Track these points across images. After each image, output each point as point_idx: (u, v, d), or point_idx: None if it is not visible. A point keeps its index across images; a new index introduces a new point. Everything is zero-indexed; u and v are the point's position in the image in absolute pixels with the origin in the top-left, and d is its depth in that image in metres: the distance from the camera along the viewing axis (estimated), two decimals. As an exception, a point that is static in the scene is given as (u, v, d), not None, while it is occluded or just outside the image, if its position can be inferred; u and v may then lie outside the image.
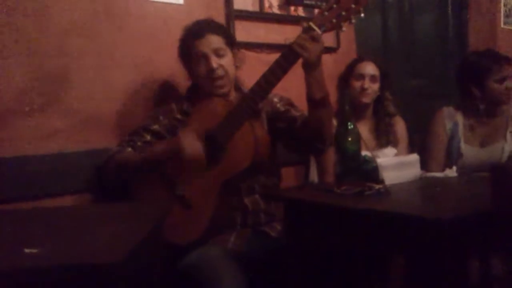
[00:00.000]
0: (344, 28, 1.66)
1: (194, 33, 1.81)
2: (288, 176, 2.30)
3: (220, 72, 1.78)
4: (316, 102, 1.68)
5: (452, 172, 1.85)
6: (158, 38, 2.08)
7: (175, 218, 1.62)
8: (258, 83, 1.68)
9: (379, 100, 2.32)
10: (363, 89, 2.25)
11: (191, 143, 1.66)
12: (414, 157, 1.82)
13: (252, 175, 1.77)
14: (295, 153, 2.05)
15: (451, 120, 2.35)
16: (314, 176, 2.38)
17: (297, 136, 1.82)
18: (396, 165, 1.73)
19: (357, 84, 2.27)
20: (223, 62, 1.78)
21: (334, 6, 1.63)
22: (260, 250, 1.73)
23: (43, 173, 1.79)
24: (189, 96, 1.91)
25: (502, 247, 1.38)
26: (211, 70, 1.76)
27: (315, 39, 1.61)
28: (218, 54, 1.78)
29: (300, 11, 2.52)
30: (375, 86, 2.28)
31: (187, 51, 1.82)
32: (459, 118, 2.34)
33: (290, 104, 1.92)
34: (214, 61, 1.77)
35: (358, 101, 2.28)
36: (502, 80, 2.27)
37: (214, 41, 1.79)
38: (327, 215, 1.55)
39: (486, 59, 2.34)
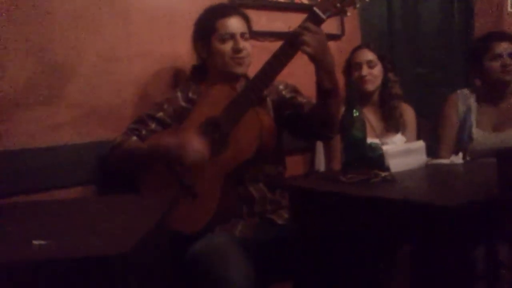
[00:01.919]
0: (348, 13, 1.65)
1: (222, 12, 1.83)
2: (294, 164, 2.30)
3: (244, 53, 1.80)
4: (325, 92, 1.66)
5: (458, 159, 1.84)
6: (161, 29, 2.08)
7: (182, 207, 1.63)
8: (262, 70, 1.68)
9: (384, 84, 2.31)
10: (361, 77, 2.25)
11: (198, 144, 1.67)
12: (420, 144, 1.81)
13: (257, 164, 1.76)
14: (302, 140, 2.04)
15: (464, 103, 2.33)
16: (320, 164, 2.38)
17: (305, 123, 1.81)
18: (402, 152, 1.72)
19: (356, 73, 2.27)
20: (247, 46, 1.81)
21: None
22: (267, 238, 1.73)
23: (48, 165, 1.79)
24: (194, 79, 1.91)
25: (509, 233, 1.38)
26: (238, 50, 1.78)
27: (318, 26, 1.59)
28: (243, 37, 1.81)
29: (304, -1, 2.50)
30: (375, 71, 2.27)
31: (211, 28, 1.81)
32: (473, 101, 2.32)
33: (295, 91, 1.91)
34: (241, 42, 1.79)
35: (362, 89, 2.27)
36: (497, 57, 2.24)
37: (242, 23, 1.82)
38: (333, 203, 1.54)
39: (484, 38, 2.33)
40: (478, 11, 3.44)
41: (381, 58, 2.29)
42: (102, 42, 1.93)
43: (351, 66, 2.30)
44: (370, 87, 2.27)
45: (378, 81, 2.29)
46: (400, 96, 2.33)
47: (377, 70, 2.28)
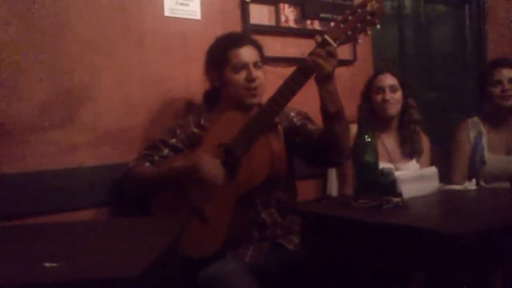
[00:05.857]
0: (360, 41, 1.64)
1: (234, 42, 1.83)
2: (307, 189, 2.29)
3: (258, 83, 1.80)
4: (330, 116, 1.66)
5: (471, 185, 1.83)
6: (175, 53, 2.11)
7: (193, 232, 1.62)
8: (273, 97, 1.68)
9: (403, 109, 2.31)
10: (385, 101, 2.24)
11: (211, 165, 1.68)
12: (433, 170, 1.80)
13: (268, 189, 1.77)
14: (313, 167, 2.04)
15: (474, 129, 2.35)
16: (332, 189, 2.37)
17: (314, 150, 1.80)
18: (414, 178, 1.71)
19: (378, 97, 2.26)
20: (260, 75, 1.81)
21: (350, 18, 1.60)
22: (277, 263, 1.72)
23: (62, 187, 1.81)
24: (207, 105, 1.92)
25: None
26: (252, 80, 1.78)
27: (330, 53, 1.58)
28: (256, 66, 1.81)
29: (316, 25, 2.53)
30: (397, 96, 2.27)
31: (223, 58, 1.81)
32: (483, 127, 2.35)
33: (306, 118, 1.91)
34: (254, 72, 1.79)
35: (384, 114, 2.26)
36: (497, 83, 2.29)
37: (254, 52, 1.83)
38: (345, 229, 1.54)
39: (488, 65, 2.42)
40: (490, 36, 3.45)
41: (401, 83, 2.29)
42: (116, 66, 1.96)
43: (372, 90, 2.29)
44: (393, 111, 2.26)
45: (399, 106, 2.28)
46: (420, 121, 2.33)
47: (398, 95, 2.27)
